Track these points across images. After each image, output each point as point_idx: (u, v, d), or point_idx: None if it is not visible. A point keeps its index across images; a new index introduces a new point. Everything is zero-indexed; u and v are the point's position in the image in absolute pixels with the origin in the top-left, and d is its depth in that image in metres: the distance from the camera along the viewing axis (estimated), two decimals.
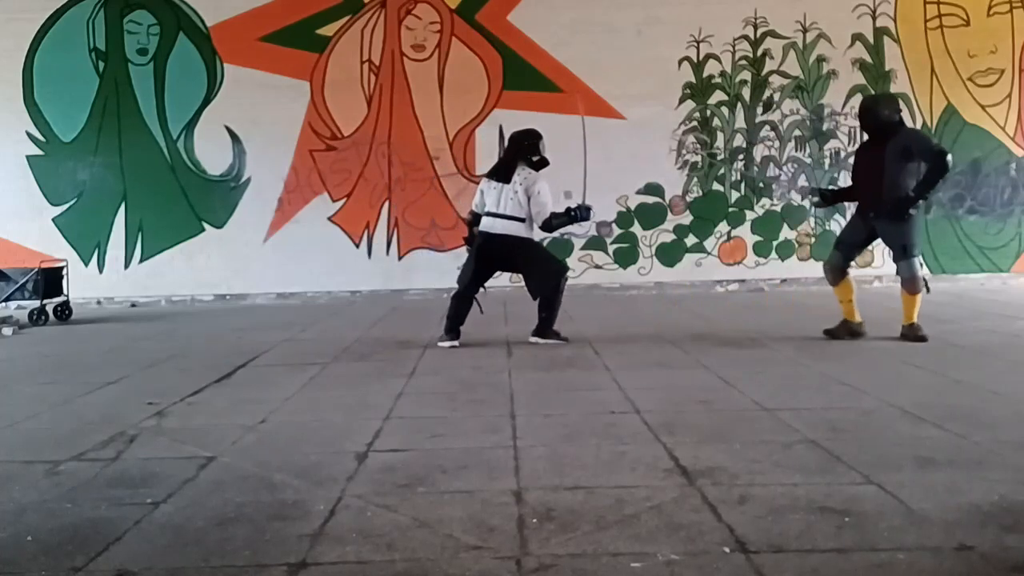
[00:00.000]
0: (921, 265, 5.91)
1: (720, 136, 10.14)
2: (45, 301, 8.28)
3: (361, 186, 10.05)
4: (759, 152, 10.15)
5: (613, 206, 10.01)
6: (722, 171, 10.16)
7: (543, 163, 6.08)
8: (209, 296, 10.15)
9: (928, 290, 5.89)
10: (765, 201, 10.15)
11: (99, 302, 9.97)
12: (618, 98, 9.91)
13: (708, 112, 10.10)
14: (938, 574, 2.15)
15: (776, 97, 10.11)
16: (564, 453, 3.26)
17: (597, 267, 10.12)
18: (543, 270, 6.03)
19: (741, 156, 10.14)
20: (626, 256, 10.10)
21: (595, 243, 10.13)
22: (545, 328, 6.03)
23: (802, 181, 10.15)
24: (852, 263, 6.08)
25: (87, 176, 10.01)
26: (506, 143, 6.35)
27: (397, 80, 10.02)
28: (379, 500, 2.77)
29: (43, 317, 8.25)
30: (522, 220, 5.91)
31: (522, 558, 2.28)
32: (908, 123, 6.20)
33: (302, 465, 3.18)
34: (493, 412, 4.00)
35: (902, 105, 6.22)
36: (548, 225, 5.99)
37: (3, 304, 8.54)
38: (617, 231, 10.12)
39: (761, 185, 10.11)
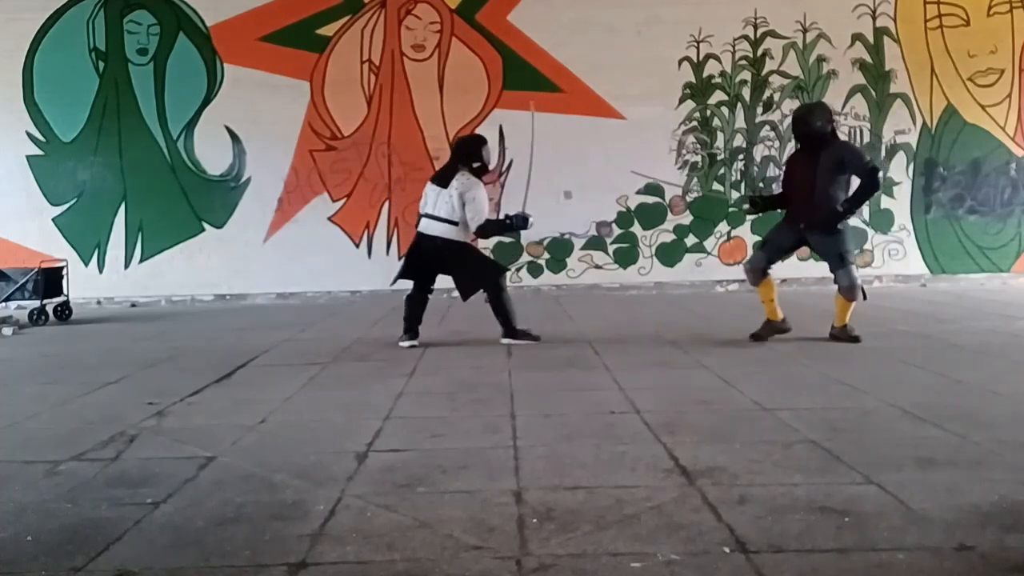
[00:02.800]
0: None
1: (720, 136, 10.15)
2: (45, 301, 8.28)
3: (361, 186, 10.05)
4: (759, 152, 10.15)
5: (613, 206, 10.02)
6: (722, 171, 10.16)
7: (483, 170, 6.13)
8: (209, 296, 10.15)
9: (865, 297, 5.89)
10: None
11: (99, 302, 9.98)
12: (618, 98, 9.92)
13: (708, 112, 10.11)
14: (938, 574, 2.15)
15: (776, 97, 10.12)
16: (564, 453, 3.25)
17: (597, 267, 10.13)
18: (472, 273, 6.08)
19: (741, 156, 10.15)
20: (626, 256, 10.11)
21: (595, 243, 10.14)
22: (510, 330, 6.07)
23: None
24: (773, 265, 6.06)
25: (87, 176, 10.02)
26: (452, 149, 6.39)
27: (397, 80, 10.03)
28: (379, 500, 2.76)
29: (43, 317, 8.25)
30: (455, 223, 5.94)
31: (522, 558, 2.28)
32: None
33: (302, 465, 3.18)
34: (493, 412, 3.99)
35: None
36: (483, 231, 6.03)
37: (3, 304, 8.54)
38: (617, 231, 10.13)
39: (761, 185, 10.11)
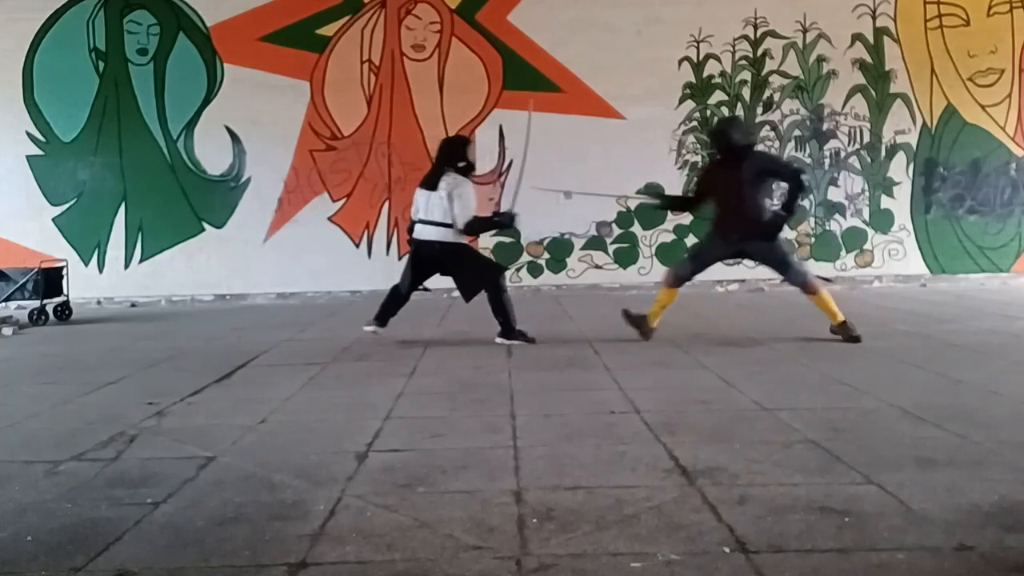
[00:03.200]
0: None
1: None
2: (45, 301, 8.28)
3: (361, 186, 10.05)
4: None
5: (613, 206, 10.01)
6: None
7: (470, 168, 6.14)
8: (209, 296, 10.15)
9: (830, 280, 5.99)
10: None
11: (99, 302, 9.98)
12: (618, 98, 9.92)
13: (708, 112, 10.10)
14: (938, 574, 2.15)
15: (776, 97, 10.11)
16: (564, 453, 3.25)
17: (597, 267, 10.13)
18: (471, 274, 6.10)
19: None
20: (626, 256, 10.11)
21: (595, 243, 10.13)
22: (507, 330, 6.08)
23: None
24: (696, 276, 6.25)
25: (87, 176, 10.01)
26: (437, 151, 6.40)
27: (397, 80, 10.02)
28: (379, 500, 2.77)
29: (43, 317, 8.25)
30: (448, 225, 5.95)
31: (522, 558, 2.28)
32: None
33: (302, 465, 3.18)
34: (493, 412, 4.00)
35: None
36: (471, 228, 6.03)
37: (3, 304, 8.54)
38: (617, 231, 10.13)
39: None
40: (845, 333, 5.83)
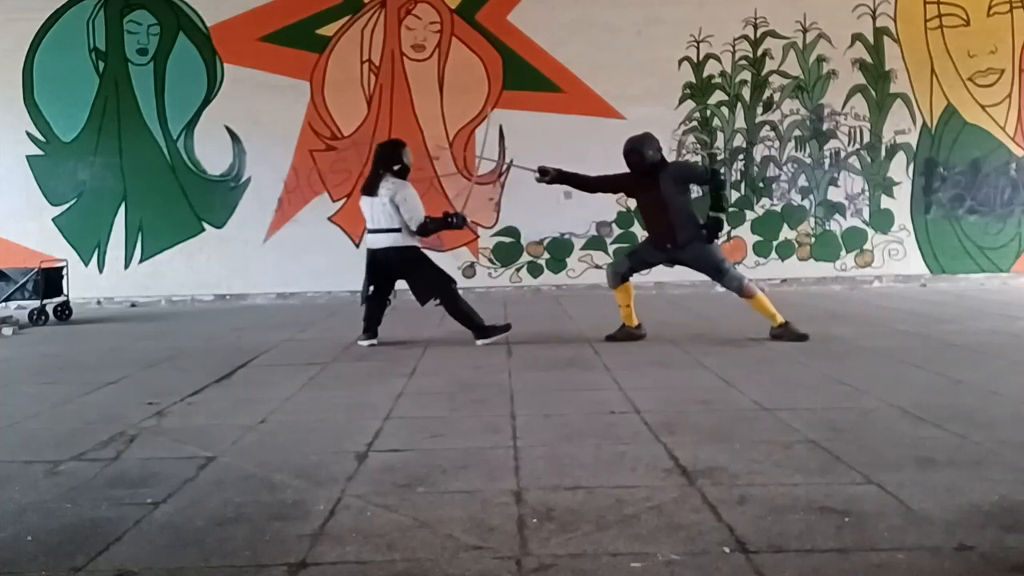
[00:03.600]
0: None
1: (720, 136, 10.14)
2: (45, 301, 8.28)
3: (361, 186, 10.04)
4: (759, 152, 10.15)
5: (613, 206, 10.01)
6: (722, 171, 10.15)
7: (405, 170, 6.13)
8: (209, 296, 10.15)
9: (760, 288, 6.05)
10: (765, 201, 10.16)
11: (99, 302, 9.98)
12: (618, 98, 9.92)
13: (708, 112, 10.11)
14: (938, 574, 2.15)
15: (776, 97, 10.12)
16: (564, 453, 3.26)
17: (597, 267, 10.12)
18: (426, 279, 6.13)
19: (741, 156, 10.15)
20: None
21: (595, 243, 10.13)
22: (480, 331, 6.10)
23: (802, 181, 10.16)
24: (635, 275, 6.30)
25: (87, 176, 10.02)
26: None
27: (397, 80, 10.02)
28: (379, 500, 2.77)
29: (43, 317, 8.25)
30: (397, 230, 5.97)
31: (522, 558, 2.28)
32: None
33: (302, 465, 3.18)
34: (493, 412, 4.00)
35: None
36: (424, 229, 6.04)
37: (3, 304, 8.54)
38: (617, 231, 10.13)
39: (761, 185, 10.12)
40: (789, 334, 5.84)
